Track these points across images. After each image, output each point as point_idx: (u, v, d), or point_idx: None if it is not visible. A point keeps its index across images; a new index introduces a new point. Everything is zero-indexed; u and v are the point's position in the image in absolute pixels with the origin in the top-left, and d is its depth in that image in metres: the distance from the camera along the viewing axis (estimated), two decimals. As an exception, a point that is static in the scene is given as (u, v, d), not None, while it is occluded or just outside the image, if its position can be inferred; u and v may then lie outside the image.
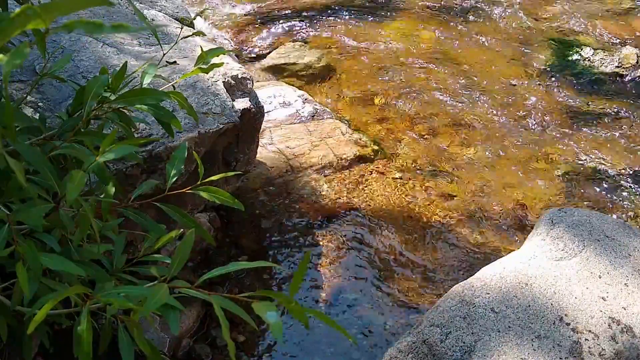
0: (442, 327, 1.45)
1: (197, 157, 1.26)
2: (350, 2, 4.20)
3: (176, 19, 2.46)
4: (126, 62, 1.30)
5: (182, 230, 1.22)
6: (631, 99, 3.34)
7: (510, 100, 3.30)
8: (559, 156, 2.90)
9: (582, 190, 2.71)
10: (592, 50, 3.65)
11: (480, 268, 1.66)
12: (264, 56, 3.64)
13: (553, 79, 3.48)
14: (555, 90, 3.39)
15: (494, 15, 4.08)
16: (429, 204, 2.58)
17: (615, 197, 2.69)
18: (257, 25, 3.93)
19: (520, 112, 3.20)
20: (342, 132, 2.91)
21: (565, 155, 2.91)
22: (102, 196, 1.13)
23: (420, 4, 4.20)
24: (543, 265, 1.59)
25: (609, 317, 1.48)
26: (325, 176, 2.65)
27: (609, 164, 2.86)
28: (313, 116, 3.00)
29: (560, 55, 3.68)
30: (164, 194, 1.22)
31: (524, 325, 1.44)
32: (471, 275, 1.62)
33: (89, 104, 1.17)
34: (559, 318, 1.46)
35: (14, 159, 0.82)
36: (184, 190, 1.22)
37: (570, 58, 3.64)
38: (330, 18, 4.02)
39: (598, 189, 2.73)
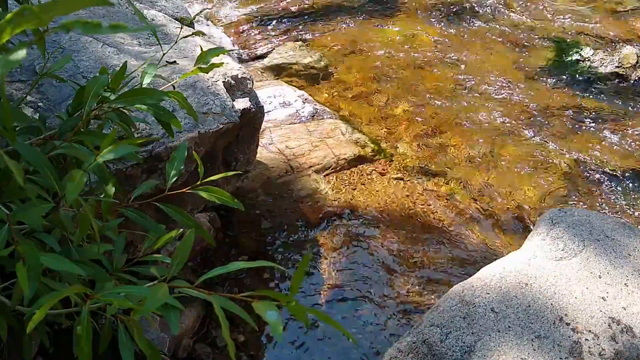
0: (442, 327, 1.45)
1: (197, 157, 1.26)
2: (350, 2, 4.20)
3: (176, 19, 2.46)
4: (126, 62, 1.30)
5: (182, 230, 1.22)
6: (631, 99, 3.34)
7: (510, 100, 3.30)
8: (559, 156, 2.90)
9: (582, 190, 2.71)
10: (592, 50, 3.65)
11: (480, 268, 1.66)
12: (264, 56, 3.64)
13: (553, 79, 3.48)
14: (555, 90, 3.39)
15: (494, 15, 4.08)
16: (428, 204, 2.58)
17: (615, 197, 2.69)
18: (257, 25, 3.93)
19: (520, 112, 3.20)
20: (342, 132, 2.91)
21: (565, 155, 2.91)
22: (102, 196, 1.13)
23: (420, 4, 4.20)
24: (543, 265, 1.59)
25: (609, 317, 1.48)
26: (325, 176, 2.65)
27: (609, 164, 2.86)
28: (313, 116, 3.00)
29: (560, 55, 3.68)
30: (164, 194, 1.22)
31: (524, 325, 1.44)
32: (471, 275, 1.62)
33: (89, 104, 1.17)
34: (559, 318, 1.46)
35: (14, 159, 0.82)
36: (184, 190, 1.22)
37: (570, 58, 3.64)
38: (330, 18, 4.02)
39: (598, 189, 2.73)
